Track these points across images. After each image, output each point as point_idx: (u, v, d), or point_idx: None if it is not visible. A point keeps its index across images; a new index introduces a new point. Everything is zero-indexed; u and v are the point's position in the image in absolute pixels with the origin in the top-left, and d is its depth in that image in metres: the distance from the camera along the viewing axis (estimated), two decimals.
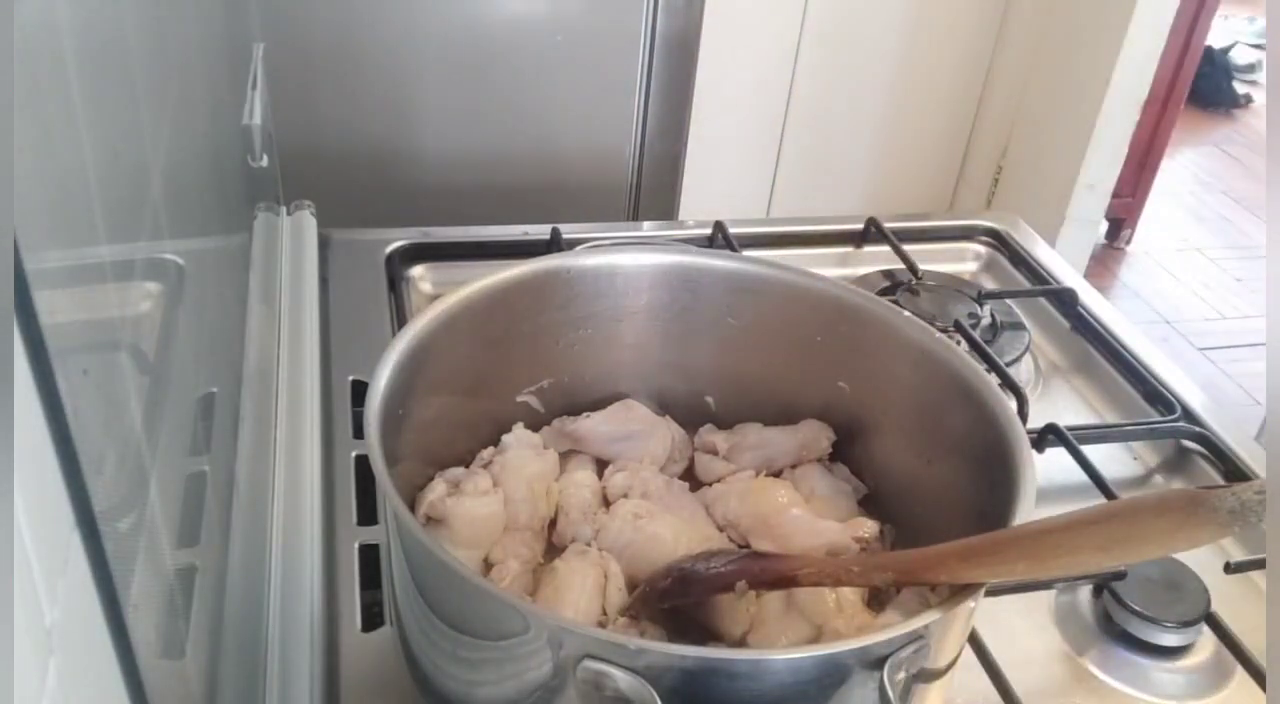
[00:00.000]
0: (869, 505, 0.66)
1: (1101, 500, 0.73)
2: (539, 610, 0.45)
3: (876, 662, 0.45)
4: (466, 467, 0.65)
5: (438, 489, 0.61)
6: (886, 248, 1.02)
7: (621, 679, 0.43)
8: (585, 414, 0.68)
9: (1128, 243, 2.83)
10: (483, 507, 0.61)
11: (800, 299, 0.66)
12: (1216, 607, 0.68)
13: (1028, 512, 0.51)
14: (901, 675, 0.46)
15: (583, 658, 0.44)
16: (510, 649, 0.48)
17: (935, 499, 0.62)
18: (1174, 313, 2.61)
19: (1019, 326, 0.94)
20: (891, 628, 0.46)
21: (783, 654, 0.47)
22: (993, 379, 0.60)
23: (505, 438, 0.66)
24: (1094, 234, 2.20)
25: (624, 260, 0.67)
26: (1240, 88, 3.68)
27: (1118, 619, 0.68)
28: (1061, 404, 0.90)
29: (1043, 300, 0.99)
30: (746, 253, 0.90)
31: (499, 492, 0.62)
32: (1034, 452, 0.56)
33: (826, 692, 0.46)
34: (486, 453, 0.66)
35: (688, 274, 0.67)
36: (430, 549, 0.47)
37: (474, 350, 0.63)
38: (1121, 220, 2.76)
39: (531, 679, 0.47)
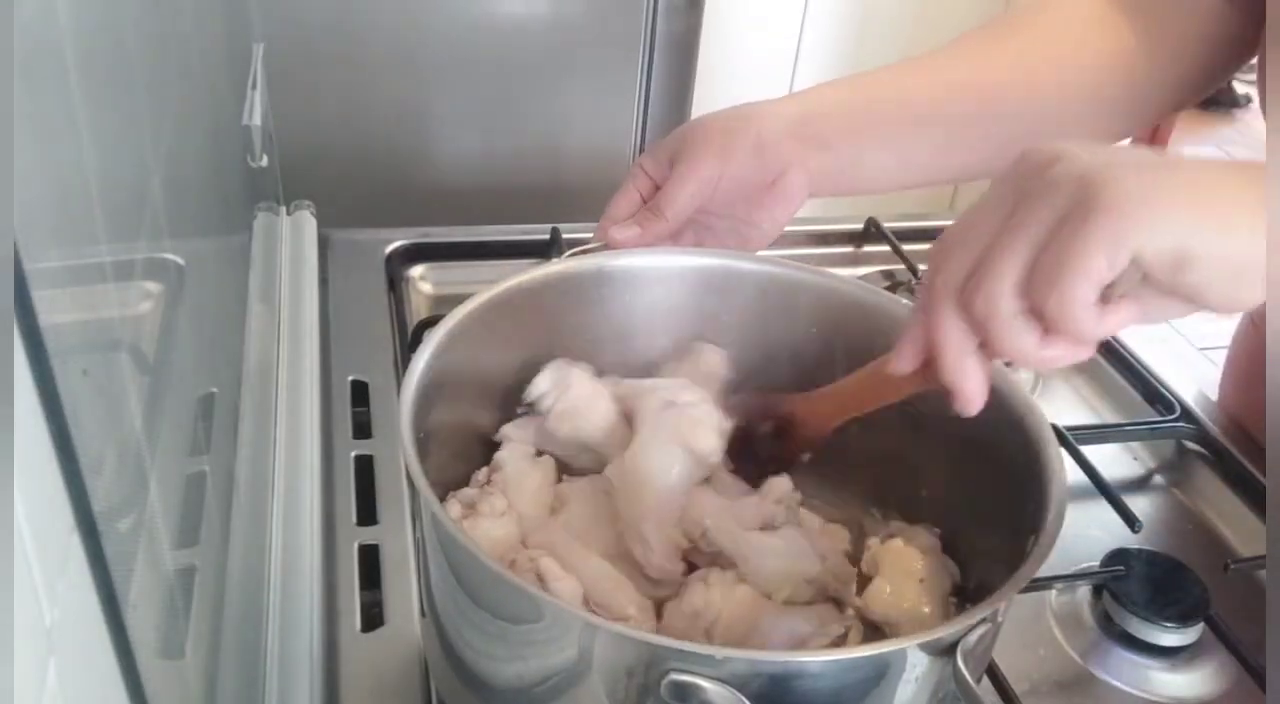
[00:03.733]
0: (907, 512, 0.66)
1: (1103, 502, 0.73)
2: (611, 625, 0.46)
3: (949, 648, 0.46)
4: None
5: (453, 511, 0.60)
6: (886, 248, 1.02)
7: (710, 689, 0.44)
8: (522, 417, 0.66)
9: None
10: (499, 528, 0.60)
11: (799, 295, 0.66)
12: (1216, 607, 0.68)
13: (1062, 494, 0.51)
14: (973, 657, 0.47)
15: (667, 671, 0.44)
16: (573, 662, 0.48)
17: (961, 489, 0.62)
18: None
19: None
20: (960, 617, 0.47)
21: (863, 651, 0.48)
22: None
23: (498, 456, 0.65)
24: None
25: (640, 262, 0.67)
26: (1240, 88, 3.68)
27: (1118, 619, 0.68)
28: (1061, 404, 0.90)
29: None
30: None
31: (513, 511, 0.61)
32: (1062, 449, 0.56)
33: (902, 682, 0.47)
34: (481, 474, 0.64)
35: (706, 276, 0.67)
36: (499, 573, 0.47)
37: (485, 358, 0.63)
38: None
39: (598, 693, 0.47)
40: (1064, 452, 0.76)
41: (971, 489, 0.59)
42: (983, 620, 0.47)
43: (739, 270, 0.67)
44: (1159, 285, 0.43)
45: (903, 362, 0.50)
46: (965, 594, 0.58)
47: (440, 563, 0.53)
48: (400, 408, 0.53)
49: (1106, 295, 0.43)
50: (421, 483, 0.50)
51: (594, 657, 0.46)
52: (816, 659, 0.47)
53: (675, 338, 0.68)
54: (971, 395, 0.48)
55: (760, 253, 0.70)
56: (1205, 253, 0.42)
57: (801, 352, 0.67)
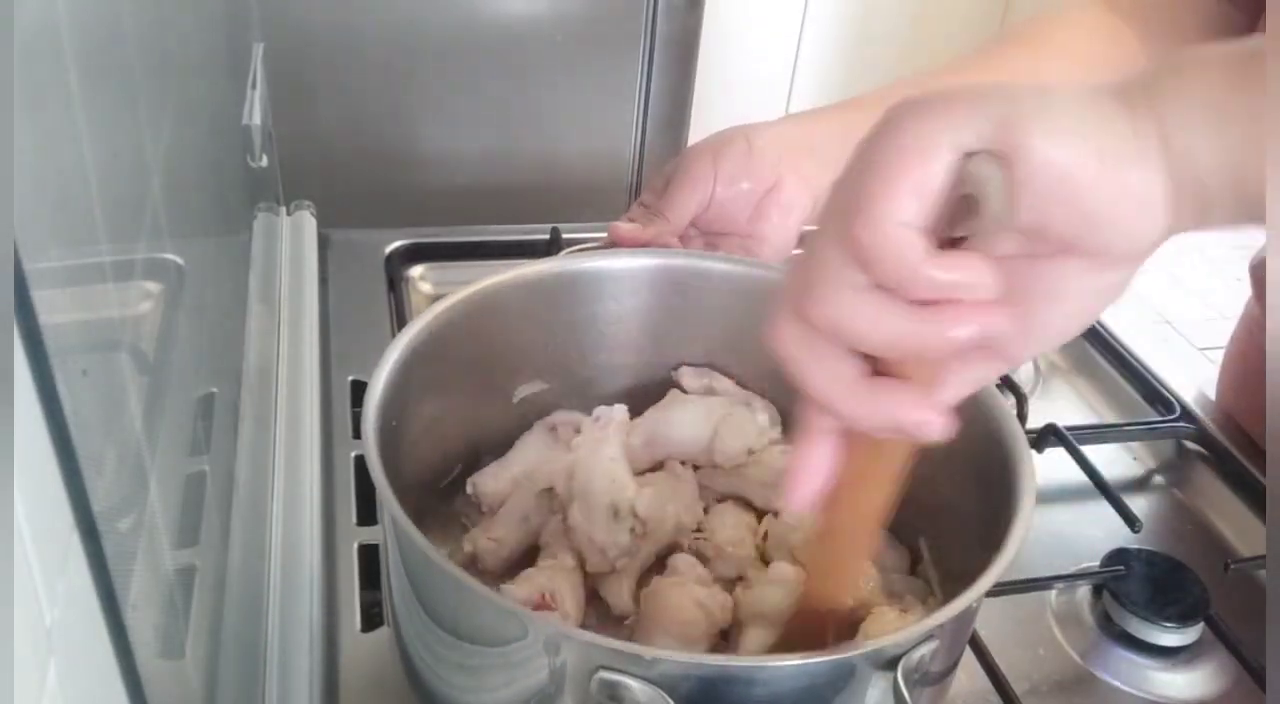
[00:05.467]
0: None
1: (1103, 502, 0.73)
2: (547, 620, 0.46)
3: (890, 663, 0.45)
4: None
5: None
6: None
7: (637, 689, 0.43)
8: None
9: None
10: None
11: None
12: (1216, 607, 0.68)
13: (1028, 512, 0.51)
14: (914, 675, 0.46)
15: (596, 669, 0.44)
16: (509, 655, 0.48)
17: (933, 501, 0.62)
18: (1174, 313, 2.61)
19: None
20: (904, 630, 0.46)
21: (797, 660, 0.47)
22: None
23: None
24: None
25: (613, 264, 0.67)
26: None
27: (1117, 619, 0.68)
28: (1061, 404, 0.90)
29: None
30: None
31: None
32: (1033, 451, 0.56)
33: (840, 695, 0.46)
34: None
35: (680, 276, 0.67)
36: (433, 559, 0.47)
37: (465, 356, 0.63)
38: None
39: (534, 686, 0.47)
40: (1064, 451, 0.77)
41: (953, 503, 0.60)
42: (929, 637, 0.46)
43: (702, 268, 0.67)
44: (1010, 210, 0.35)
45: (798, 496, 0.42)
46: None
47: (398, 565, 0.53)
48: (366, 403, 0.54)
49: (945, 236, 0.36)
50: (381, 482, 0.49)
51: (531, 653, 0.46)
52: (745, 664, 0.47)
53: (651, 340, 0.68)
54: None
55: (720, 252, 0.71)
56: (1040, 132, 0.34)
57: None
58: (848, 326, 0.36)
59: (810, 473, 0.42)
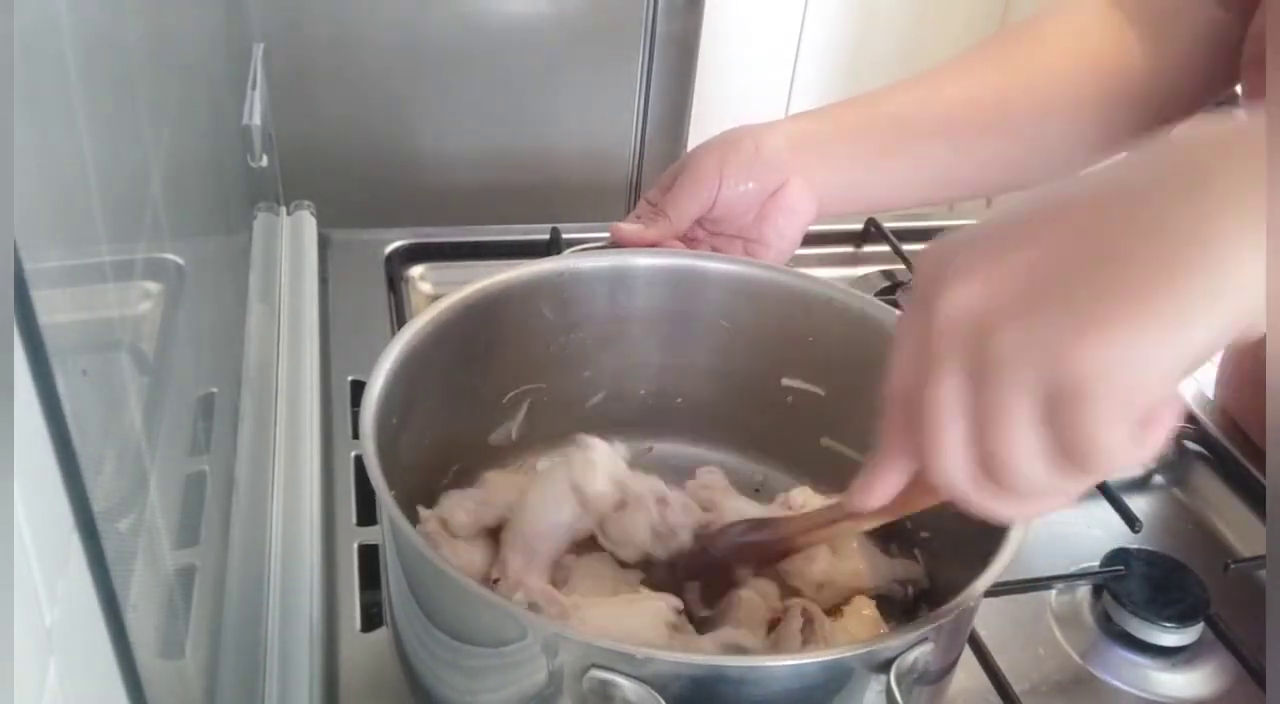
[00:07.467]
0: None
1: (1103, 502, 0.73)
2: (542, 621, 0.45)
3: (883, 665, 0.45)
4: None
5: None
6: (886, 248, 1.02)
7: (628, 688, 0.43)
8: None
9: None
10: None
11: (793, 300, 0.66)
12: (1216, 607, 0.68)
13: (1014, 544, 0.51)
14: (909, 678, 0.46)
15: (589, 667, 0.44)
16: (508, 656, 0.48)
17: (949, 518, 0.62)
18: None
19: None
20: (898, 632, 0.46)
21: (789, 660, 0.47)
22: None
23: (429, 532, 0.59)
24: None
25: (614, 263, 0.67)
26: (1240, 87, 3.68)
27: (1117, 619, 0.68)
28: None
29: None
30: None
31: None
32: None
33: (832, 696, 0.46)
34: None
35: (681, 276, 0.67)
36: (431, 559, 0.47)
37: (464, 356, 0.63)
38: None
39: (533, 687, 0.47)
40: None
41: (950, 504, 0.60)
42: (922, 640, 0.46)
43: (704, 269, 0.67)
44: None
45: (873, 498, 0.45)
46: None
47: (396, 566, 0.53)
48: (365, 403, 0.53)
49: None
50: (379, 482, 0.49)
51: (530, 654, 0.46)
52: (736, 664, 0.47)
53: (652, 341, 0.68)
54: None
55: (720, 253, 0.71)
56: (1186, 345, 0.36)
57: (785, 357, 0.67)
58: (1013, 466, 0.39)
59: (881, 490, 0.45)
